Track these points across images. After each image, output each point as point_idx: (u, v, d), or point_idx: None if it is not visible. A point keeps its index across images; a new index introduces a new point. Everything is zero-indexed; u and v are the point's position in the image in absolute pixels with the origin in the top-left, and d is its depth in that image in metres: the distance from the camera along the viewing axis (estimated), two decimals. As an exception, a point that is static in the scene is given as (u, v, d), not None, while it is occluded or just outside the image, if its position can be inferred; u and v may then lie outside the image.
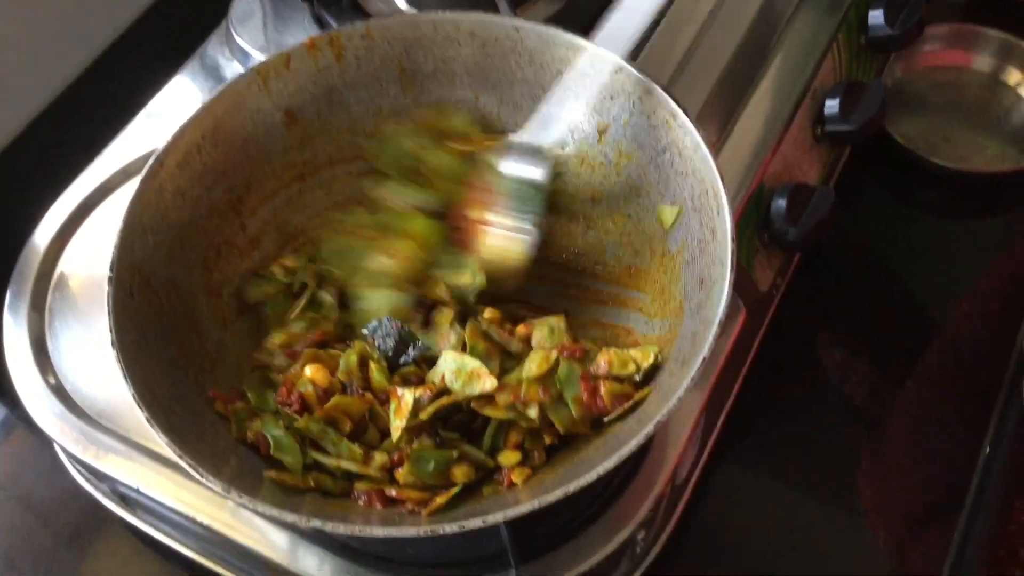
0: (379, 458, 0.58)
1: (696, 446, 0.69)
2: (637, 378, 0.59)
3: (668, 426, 0.65)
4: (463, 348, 0.62)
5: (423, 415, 0.58)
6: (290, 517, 0.51)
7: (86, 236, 0.77)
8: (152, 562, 0.70)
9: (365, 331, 0.63)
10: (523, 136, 0.65)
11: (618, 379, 0.59)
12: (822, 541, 0.69)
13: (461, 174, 0.66)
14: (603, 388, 0.58)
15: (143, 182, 0.62)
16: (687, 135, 0.61)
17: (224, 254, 0.67)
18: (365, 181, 0.69)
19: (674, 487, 0.66)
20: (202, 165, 0.65)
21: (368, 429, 0.60)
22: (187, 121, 0.64)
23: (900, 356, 0.78)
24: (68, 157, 0.81)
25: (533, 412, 0.58)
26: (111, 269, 0.58)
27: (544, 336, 0.63)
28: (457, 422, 0.60)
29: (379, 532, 0.51)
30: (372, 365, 0.61)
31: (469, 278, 0.65)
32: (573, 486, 0.50)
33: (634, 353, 0.60)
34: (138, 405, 0.53)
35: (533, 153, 0.64)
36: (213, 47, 0.89)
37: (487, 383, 0.59)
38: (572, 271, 0.69)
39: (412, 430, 0.58)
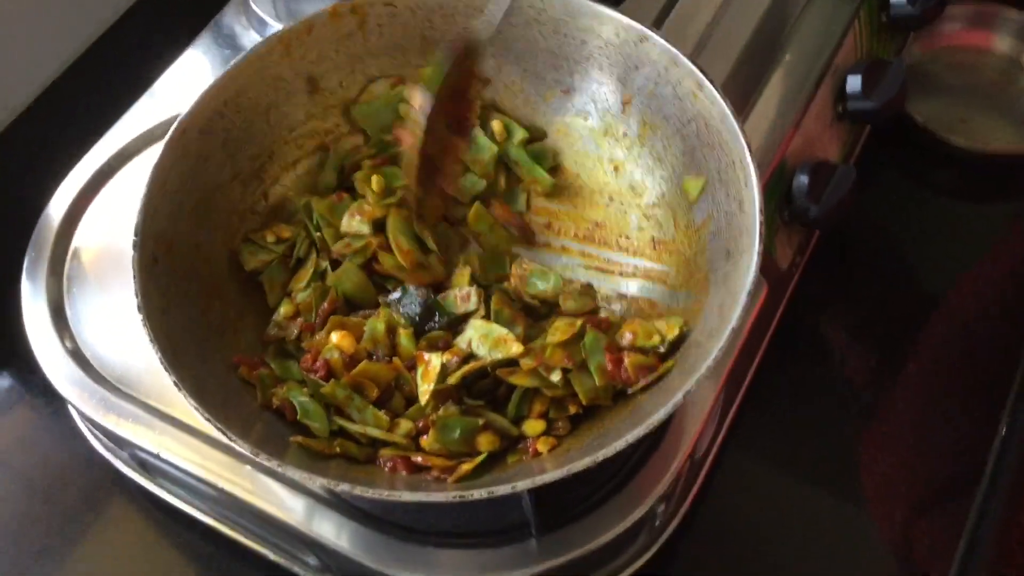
0: (404, 425, 0.58)
1: (715, 421, 0.69)
2: (661, 350, 0.59)
3: (689, 400, 0.65)
4: (487, 315, 0.62)
5: (451, 379, 0.58)
6: (319, 480, 0.51)
7: (105, 202, 0.76)
8: (167, 528, 0.70)
9: (390, 300, 0.63)
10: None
11: (642, 351, 0.59)
12: (829, 532, 0.69)
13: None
14: (627, 359, 0.58)
15: (167, 147, 0.61)
16: (714, 105, 0.61)
17: (248, 221, 0.67)
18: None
19: (693, 462, 0.66)
20: (224, 132, 0.65)
21: (393, 396, 0.60)
22: (209, 87, 0.64)
23: (908, 340, 0.77)
24: (86, 123, 0.80)
25: (556, 376, 0.58)
26: (135, 234, 0.58)
27: (573, 299, 0.63)
28: (481, 388, 0.60)
29: (407, 497, 0.52)
30: (400, 331, 0.61)
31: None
32: (602, 454, 0.50)
33: (659, 325, 0.60)
34: (166, 369, 0.53)
35: None
36: (229, 15, 0.88)
37: (513, 348, 0.59)
38: (595, 244, 0.69)
39: (439, 395, 0.58)
